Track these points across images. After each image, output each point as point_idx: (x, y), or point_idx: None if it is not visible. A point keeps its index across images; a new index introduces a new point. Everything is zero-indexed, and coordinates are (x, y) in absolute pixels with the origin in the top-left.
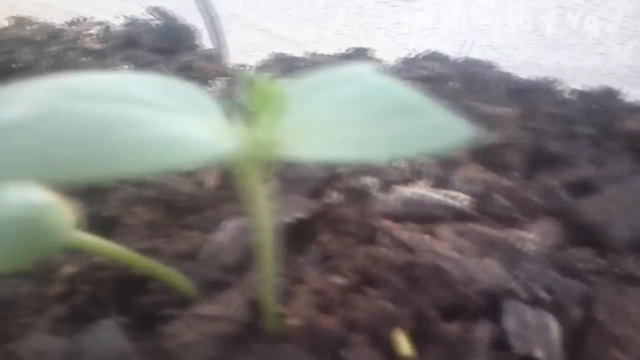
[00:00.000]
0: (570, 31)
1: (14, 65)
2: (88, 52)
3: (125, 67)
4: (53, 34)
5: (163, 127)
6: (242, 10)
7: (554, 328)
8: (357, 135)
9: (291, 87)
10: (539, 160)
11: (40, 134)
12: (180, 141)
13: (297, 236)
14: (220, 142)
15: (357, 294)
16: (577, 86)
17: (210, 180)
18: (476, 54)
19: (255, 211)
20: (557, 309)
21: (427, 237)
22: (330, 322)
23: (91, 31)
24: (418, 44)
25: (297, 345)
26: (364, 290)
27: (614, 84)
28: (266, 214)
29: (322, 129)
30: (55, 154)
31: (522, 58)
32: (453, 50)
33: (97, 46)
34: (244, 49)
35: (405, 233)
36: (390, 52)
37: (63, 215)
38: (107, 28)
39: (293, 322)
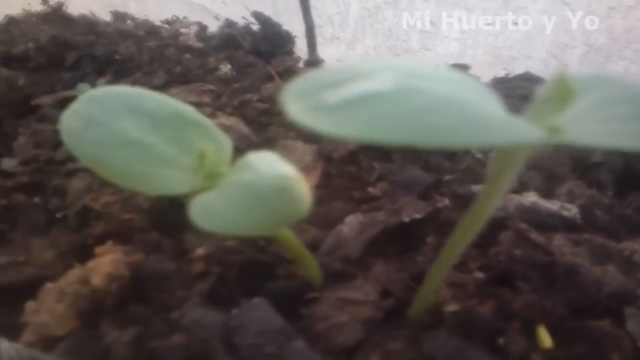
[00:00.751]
0: (595, 69)
1: (116, 57)
2: (189, 49)
3: (228, 66)
4: (152, 30)
5: (484, 108)
6: (288, 23)
7: None
8: (624, 128)
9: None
10: (629, 181)
11: (398, 103)
12: (505, 122)
13: (405, 236)
14: (532, 128)
15: (503, 288)
16: None
17: (313, 179)
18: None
19: (490, 196)
20: None
21: (555, 242)
22: (486, 311)
23: (188, 30)
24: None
25: (450, 331)
26: (507, 284)
27: None
28: (495, 202)
29: (593, 121)
30: (413, 121)
31: None
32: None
33: (198, 44)
34: None
35: (540, 236)
36: None
37: (307, 188)
38: (203, 28)
39: (451, 308)
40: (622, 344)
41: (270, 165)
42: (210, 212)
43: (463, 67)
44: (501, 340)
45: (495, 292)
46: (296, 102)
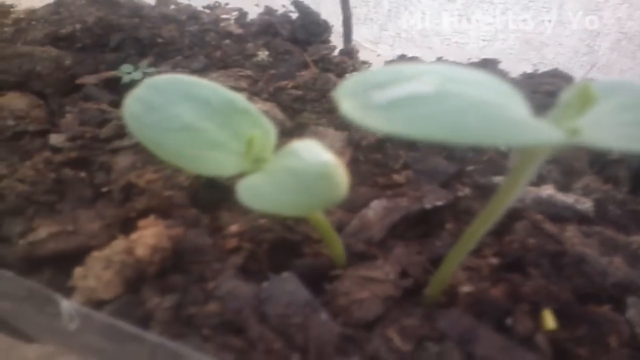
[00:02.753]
0: (625, 57)
1: (159, 40)
2: (229, 35)
3: (266, 52)
4: (194, 15)
5: (514, 112)
6: (326, 13)
7: None
8: (637, 133)
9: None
10: None
11: (439, 105)
12: (531, 125)
13: (425, 222)
14: (554, 130)
15: (515, 273)
16: None
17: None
18: (528, 69)
19: (510, 188)
20: None
21: (567, 233)
22: (497, 293)
23: (228, 16)
24: (472, 54)
25: (463, 310)
26: (519, 270)
27: None
28: (513, 196)
29: (609, 125)
30: (456, 121)
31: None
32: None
33: (238, 31)
34: None
35: (553, 227)
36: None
37: (345, 175)
38: (243, 15)
39: (465, 289)
40: (620, 329)
41: (314, 153)
42: (258, 193)
43: (493, 63)
44: (509, 321)
45: (507, 276)
46: (348, 100)
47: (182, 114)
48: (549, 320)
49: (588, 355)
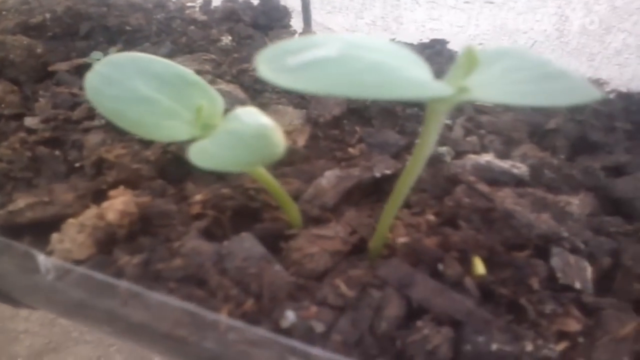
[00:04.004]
0: (594, 41)
1: (127, 28)
2: (194, 21)
3: (229, 37)
4: (160, 3)
5: (408, 71)
6: None
7: (589, 270)
8: (522, 90)
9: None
10: (582, 147)
11: (342, 66)
12: (423, 82)
13: (377, 189)
14: (443, 86)
15: (448, 227)
16: None
17: (301, 140)
18: None
19: (424, 144)
20: (591, 257)
21: (500, 193)
22: (430, 243)
23: (193, 4)
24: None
25: (400, 259)
26: (453, 225)
27: None
28: (430, 148)
29: (498, 84)
30: (354, 79)
31: None
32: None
33: (202, 17)
34: None
35: (486, 188)
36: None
37: (282, 136)
38: (208, 2)
39: (401, 240)
40: (537, 271)
41: (253, 116)
42: (204, 153)
43: (442, 42)
44: (441, 266)
45: (441, 230)
46: (265, 64)
47: (138, 87)
48: (479, 266)
49: (510, 294)
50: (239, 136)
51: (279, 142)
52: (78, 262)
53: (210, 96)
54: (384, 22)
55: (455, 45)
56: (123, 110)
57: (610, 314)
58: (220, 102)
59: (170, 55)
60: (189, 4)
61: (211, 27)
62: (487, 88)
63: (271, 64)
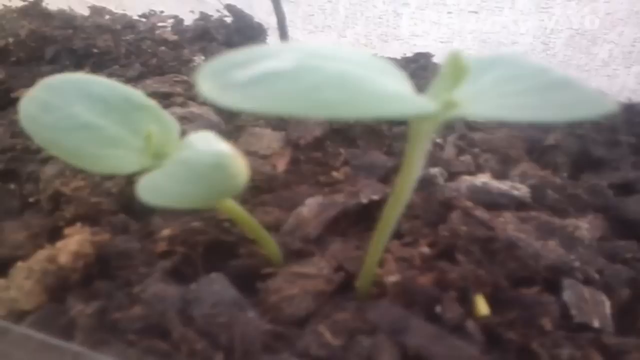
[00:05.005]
0: (580, 52)
1: (94, 50)
2: (165, 42)
3: (202, 57)
4: (129, 24)
5: (380, 84)
6: (265, 15)
7: (607, 304)
8: (519, 103)
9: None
10: (585, 163)
11: (296, 80)
12: (399, 96)
13: (365, 217)
14: (425, 101)
15: (445, 261)
16: None
17: (282, 165)
18: None
19: (409, 169)
20: (608, 289)
21: (501, 219)
22: (425, 281)
23: (164, 24)
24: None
25: (392, 301)
26: (450, 258)
27: None
28: (417, 172)
29: (491, 96)
30: (312, 96)
31: None
32: None
33: (173, 37)
34: None
35: (484, 213)
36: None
37: (243, 165)
38: (179, 21)
39: (392, 279)
40: (549, 310)
41: (208, 143)
42: (153, 187)
43: (426, 56)
44: (438, 308)
45: (436, 265)
46: (208, 80)
47: (79, 113)
48: (482, 306)
49: (519, 339)
50: (191, 167)
51: (240, 172)
52: (25, 314)
53: (162, 121)
54: (367, 39)
55: (440, 60)
56: (60, 140)
57: None
58: (174, 127)
59: (138, 78)
60: (160, 24)
61: (183, 47)
62: (478, 101)
63: (215, 79)
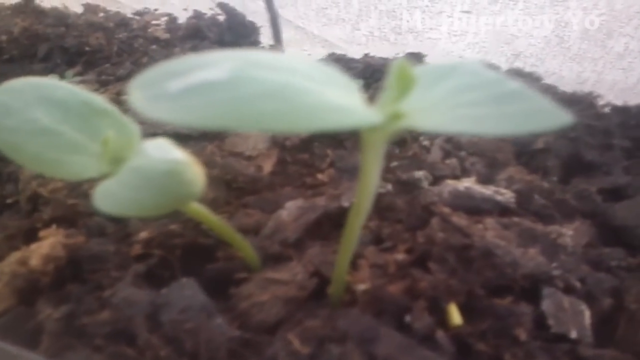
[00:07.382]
0: (596, 46)
1: (87, 48)
2: (156, 40)
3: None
4: (122, 22)
5: (325, 96)
6: (279, 8)
7: (587, 314)
8: (473, 114)
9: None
10: (576, 167)
11: (232, 91)
12: (341, 108)
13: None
14: (369, 112)
15: (419, 269)
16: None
17: (268, 166)
18: (502, 62)
19: (366, 179)
20: (589, 298)
21: (480, 225)
22: (395, 290)
23: (158, 22)
24: (445, 49)
25: (362, 309)
26: (425, 265)
27: (631, 99)
28: (374, 183)
29: (444, 107)
30: (247, 108)
31: (545, 68)
32: (478, 57)
33: (165, 36)
34: None
35: (463, 220)
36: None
37: (199, 172)
38: (173, 19)
39: (361, 287)
40: (524, 319)
41: (162, 150)
42: (108, 195)
43: (418, 56)
44: (408, 318)
45: (409, 273)
46: (139, 91)
47: (38, 117)
48: (455, 316)
49: (490, 350)
50: (143, 174)
51: (194, 179)
52: None
53: (120, 125)
54: (382, 32)
55: (455, 53)
56: (20, 144)
57: None
58: (134, 133)
59: (128, 77)
60: (153, 22)
61: (174, 46)
62: (429, 113)
63: (146, 89)
